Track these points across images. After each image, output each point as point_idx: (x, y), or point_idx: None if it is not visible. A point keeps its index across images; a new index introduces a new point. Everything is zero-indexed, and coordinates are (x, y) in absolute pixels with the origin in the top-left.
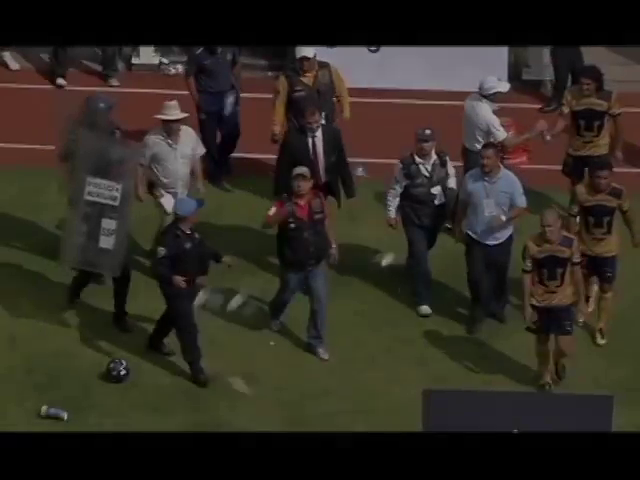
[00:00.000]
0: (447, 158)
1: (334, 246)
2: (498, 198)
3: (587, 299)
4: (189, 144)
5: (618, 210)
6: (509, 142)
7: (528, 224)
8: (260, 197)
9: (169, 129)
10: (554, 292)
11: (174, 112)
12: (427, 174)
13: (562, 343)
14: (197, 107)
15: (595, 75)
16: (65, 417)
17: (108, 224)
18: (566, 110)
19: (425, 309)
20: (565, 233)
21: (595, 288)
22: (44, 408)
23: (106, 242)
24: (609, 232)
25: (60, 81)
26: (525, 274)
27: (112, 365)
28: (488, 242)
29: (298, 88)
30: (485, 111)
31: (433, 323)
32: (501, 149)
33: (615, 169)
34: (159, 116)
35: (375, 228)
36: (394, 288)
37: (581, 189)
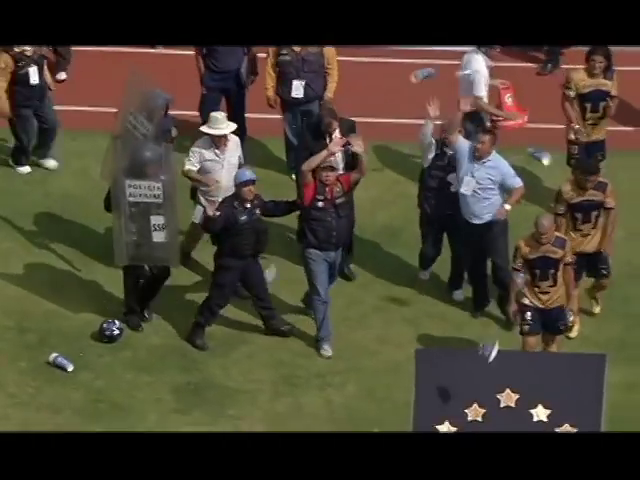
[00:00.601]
0: None
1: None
2: (481, 180)
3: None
4: (235, 153)
5: (603, 206)
6: (480, 104)
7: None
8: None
9: (217, 141)
10: (547, 292)
11: (222, 125)
12: (446, 161)
13: (552, 342)
14: (201, 82)
15: (606, 53)
16: (70, 369)
17: (157, 220)
18: (572, 94)
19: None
20: (558, 234)
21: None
22: (53, 355)
23: (159, 236)
24: (596, 227)
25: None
26: (514, 272)
27: (105, 325)
28: (476, 220)
29: (284, 52)
30: (477, 63)
31: (427, 284)
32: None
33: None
34: (206, 130)
35: (369, 189)
36: (388, 248)
37: (566, 187)
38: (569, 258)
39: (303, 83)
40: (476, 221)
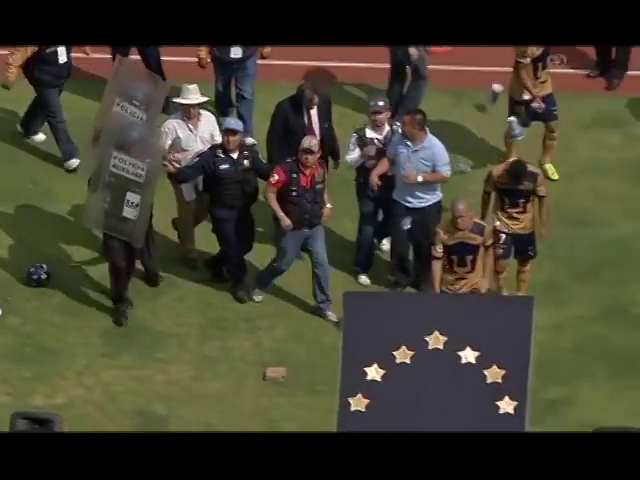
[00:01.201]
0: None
1: (329, 206)
2: (418, 165)
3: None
4: (208, 128)
5: (534, 194)
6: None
7: None
8: None
9: (189, 113)
10: (464, 278)
11: (194, 96)
12: (380, 146)
13: None
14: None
15: None
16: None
17: (132, 197)
18: (527, 61)
19: (364, 279)
20: (477, 220)
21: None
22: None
23: (129, 213)
24: (525, 211)
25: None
26: (434, 260)
27: (32, 269)
28: (408, 204)
29: None
30: None
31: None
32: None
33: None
34: (178, 100)
35: None
36: (339, 194)
37: (497, 172)
38: (488, 242)
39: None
40: (414, 204)
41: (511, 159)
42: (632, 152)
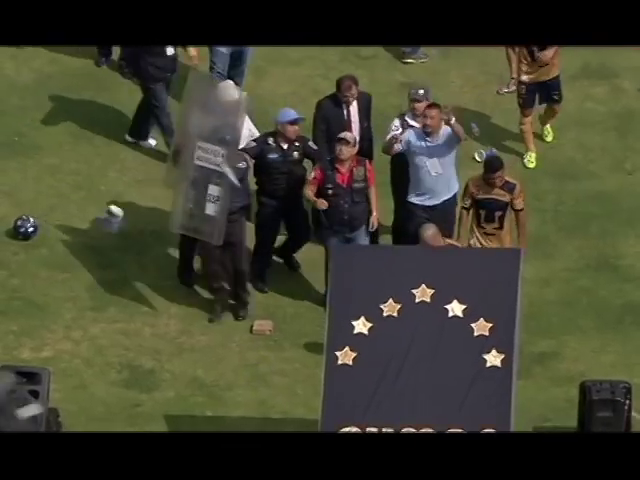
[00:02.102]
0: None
1: (375, 214)
2: (441, 154)
3: None
4: (246, 125)
5: (510, 207)
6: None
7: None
8: None
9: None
10: (492, 234)
11: (231, 92)
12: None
13: None
14: None
15: None
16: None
17: (213, 190)
18: None
19: None
20: (508, 178)
21: None
22: None
23: (211, 209)
24: (501, 227)
25: None
26: (463, 210)
27: (19, 222)
28: (428, 202)
29: None
30: None
31: None
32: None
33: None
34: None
35: (282, 85)
36: None
37: (473, 181)
38: (519, 204)
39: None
40: (434, 201)
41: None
42: (618, 104)
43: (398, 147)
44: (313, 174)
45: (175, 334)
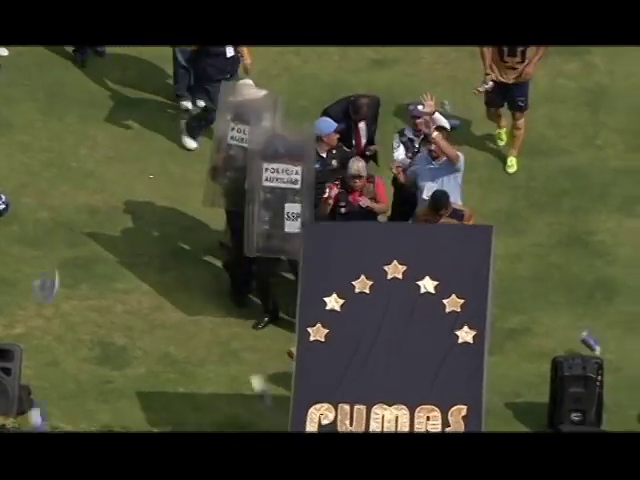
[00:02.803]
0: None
1: None
2: (441, 177)
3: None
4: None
5: None
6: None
7: None
8: None
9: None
10: (514, 69)
11: (251, 90)
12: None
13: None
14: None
15: None
16: None
17: (292, 208)
18: None
19: None
20: (456, 206)
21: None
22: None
23: (292, 226)
24: None
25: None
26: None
27: None
28: None
29: None
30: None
31: None
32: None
33: None
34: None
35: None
36: None
37: (422, 210)
38: None
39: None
40: None
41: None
42: (590, 80)
43: (402, 178)
44: (328, 193)
45: (147, 311)
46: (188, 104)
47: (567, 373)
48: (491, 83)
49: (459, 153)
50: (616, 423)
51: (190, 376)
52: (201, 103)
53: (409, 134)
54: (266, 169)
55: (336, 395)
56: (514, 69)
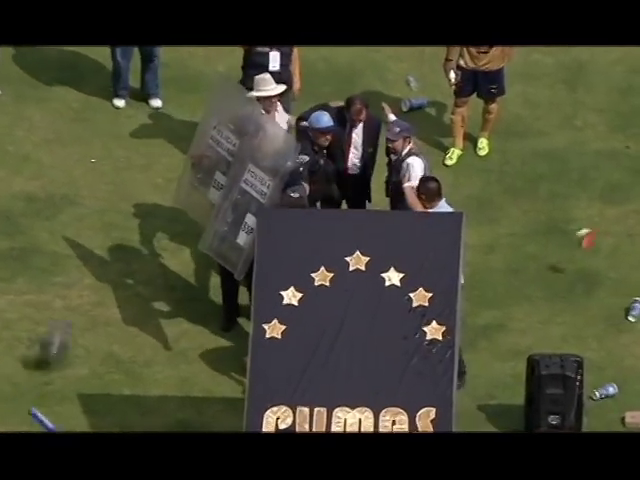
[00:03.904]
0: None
1: None
2: None
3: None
4: (283, 121)
5: None
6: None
7: None
8: None
9: (266, 106)
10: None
11: (269, 86)
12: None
13: None
14: None
15: None
16: None
17: (250, 220)
18: None
19: None
20: None
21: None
22: None
23: (242, 239)
24: None
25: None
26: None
27: None
28: None
29: None
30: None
31: None
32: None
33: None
34: (253, 93)
35: None
36: None
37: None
38: None
39: None
40: None
41: None
42: (568, 56)
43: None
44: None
45: (89, 307)
46: (121, 102)
47: (544, 372)
48: (459, 72)
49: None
50: (598, 427)
51: (136, 377)
52: None
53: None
54: (249, 170)
55: (294, 397)
56: (485, 53)
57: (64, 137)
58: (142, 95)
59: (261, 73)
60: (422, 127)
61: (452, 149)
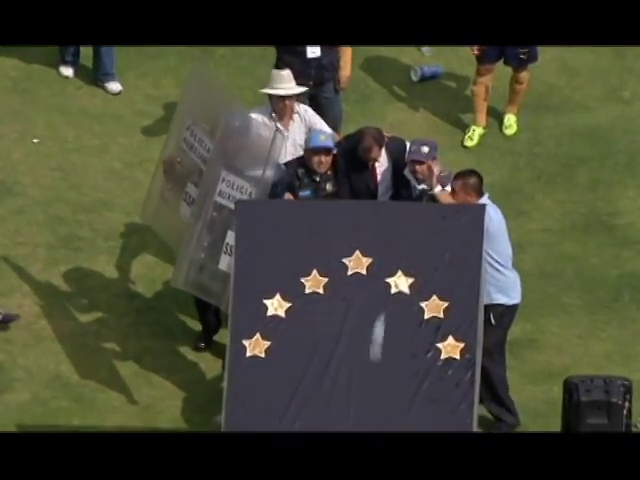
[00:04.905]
0: None
1: None
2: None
3: None
4: (302, 130)
5: None
6: None
7: None
8: None
9: (279, 108)
10: None
11: (287, 84)
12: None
13: None
14: None
15: None
16: None
17: (232, 239)
18: None
19: None
20: None
21: None
22: None
23: (225, 263)
24: None
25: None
26: None
27: None
28: None
29: None
30: None
31: None
32: None
33: None
34: (267, 90)
35: None
36: None
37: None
38: None
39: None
40: None
41: None
42: None
43: None
44: None
45: (31, 318)
46: (69, 71)
47: (585, 398)
48: None
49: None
50: None
51: (88, 404)
52: None
53: (408, 176)
54: (223, 179)
55: (281, 427)
56: None
57: (1, 112)
58: (95, 62)
59: (297, 59)
60: (436, 101)
61: (473, 127)
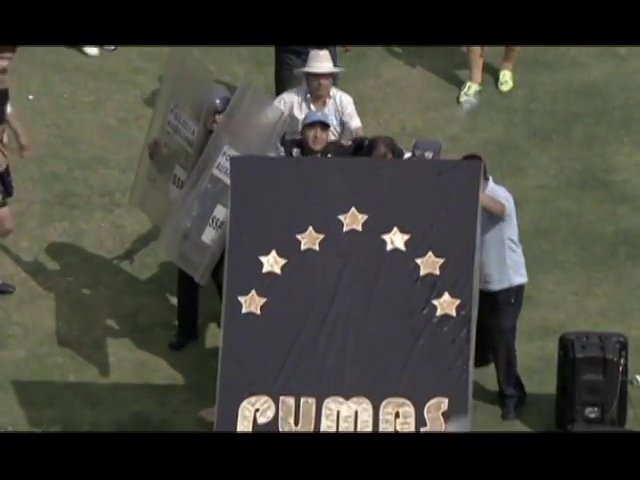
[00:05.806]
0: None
1: None
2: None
3: None
4: (333, 116)
5: None
6: None
7: None
8: None
9: (314, 88)
10: None
11: (324, 63)
12: None
13: None
14: None
15: None
16: None
17: (220, 213)
18: None
19: None
20: None
21: None
22: None
23: (209, 235)
24: None
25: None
26: None
27: None
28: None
29: None
30: None
31: None
32: None
33: None
34: (302, 69)
35: None
36: None
37: None
38: None
39: None
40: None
41: None
42: None
43: None
44: None
45: (26, 275)
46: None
47: (580, 355)
48: None
49: (504, 202)
50: None
51: (84, 361)
52: None
53: None
54: (224, 153)
55: (276, 384)
56: None
57: None
58: None
59: (297, 55)
60: (430, 57)
61: (468, 83)
